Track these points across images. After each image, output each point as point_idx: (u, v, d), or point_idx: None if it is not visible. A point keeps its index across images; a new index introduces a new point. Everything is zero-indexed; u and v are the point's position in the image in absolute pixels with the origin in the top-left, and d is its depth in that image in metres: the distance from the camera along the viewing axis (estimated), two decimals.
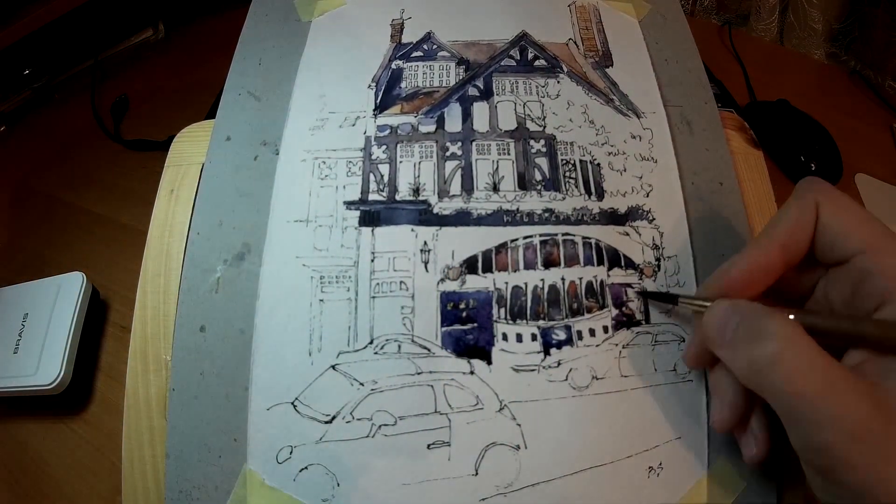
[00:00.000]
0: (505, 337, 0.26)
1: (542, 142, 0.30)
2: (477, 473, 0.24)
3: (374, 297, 0.27)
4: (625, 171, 0.30)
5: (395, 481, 0.24)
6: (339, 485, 0.24)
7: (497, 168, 0.29)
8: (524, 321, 0.26)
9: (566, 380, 0.26)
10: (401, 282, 0.27)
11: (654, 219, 0.29)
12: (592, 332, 0.26)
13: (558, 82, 0.32)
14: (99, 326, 0.45)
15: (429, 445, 0.25)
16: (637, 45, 0.35)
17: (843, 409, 0.19)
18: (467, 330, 0.26)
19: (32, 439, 0.41)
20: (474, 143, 0.30)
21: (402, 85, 0.32)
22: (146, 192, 0.32)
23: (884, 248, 0.21)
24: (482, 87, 0.32)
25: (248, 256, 0.28)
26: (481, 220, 0.28)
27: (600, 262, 0.28)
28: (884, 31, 0.55)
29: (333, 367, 0.26)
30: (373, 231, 0.28)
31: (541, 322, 0.26)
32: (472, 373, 0.26)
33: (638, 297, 0.27)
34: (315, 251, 0.28)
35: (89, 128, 0.59)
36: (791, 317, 0.21)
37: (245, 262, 0.28)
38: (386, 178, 0.29)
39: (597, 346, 0.26)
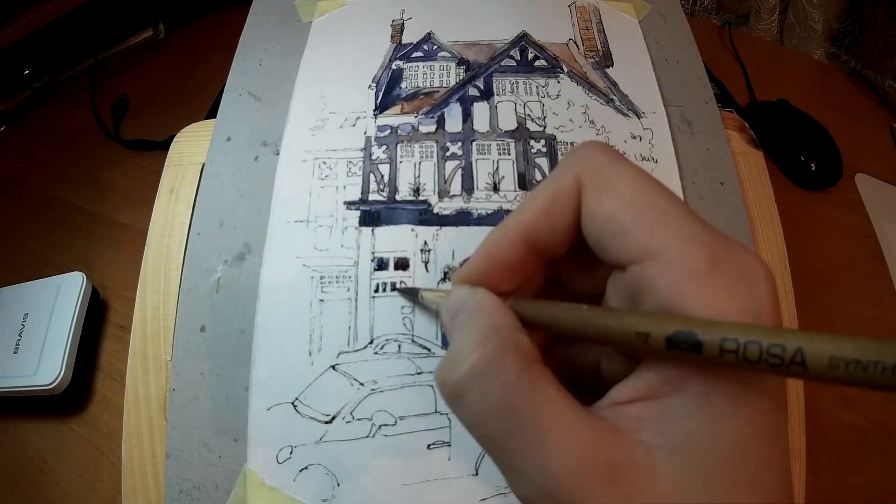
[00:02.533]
0: None
1: (543, 142, 0.30)
2: (477, 473, 0.24)
3: (374, 297, 0.27)
4: None
5: (395, 481, 0.24)
6: (339, 485, 0.24)
7: (497, 168, 0.29)
8: None
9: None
10: (401, 282, 0.27)
11: None
12: None
13: (558, 82, 0.32)
14: (99, 326, 0.45)
15: (429, 445, 0.25)
16: (637, 45, 0.35)
17: (544, 466, 0.14)
18: None
19: (32, 439, 0.41)
20: (474, 143, 0.30)
21: (403, 85, 0.32)
22: (146, 192, 0.32)
23: (667, 252, 0.14)
24: (482, 88, 0.32)
25: (249, 256, 0.28)
26: (482, 220, 0.28)
27: None
28: (884, 31, 0.56)
29: (333, 367, 0.26)
30: (373, 231, 0.28)
31: None
32: None
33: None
34: (315, 251, 0.28)
35: (89, 128, 0.59)
36: (509, 308, 0.17)
37: (245, 263, 0.28)
38: (386, 178, 0.29)
39: None
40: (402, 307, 0.26)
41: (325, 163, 0.30)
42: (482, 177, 0.29)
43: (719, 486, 0.14)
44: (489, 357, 0.15)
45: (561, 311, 0.16)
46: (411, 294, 0.26)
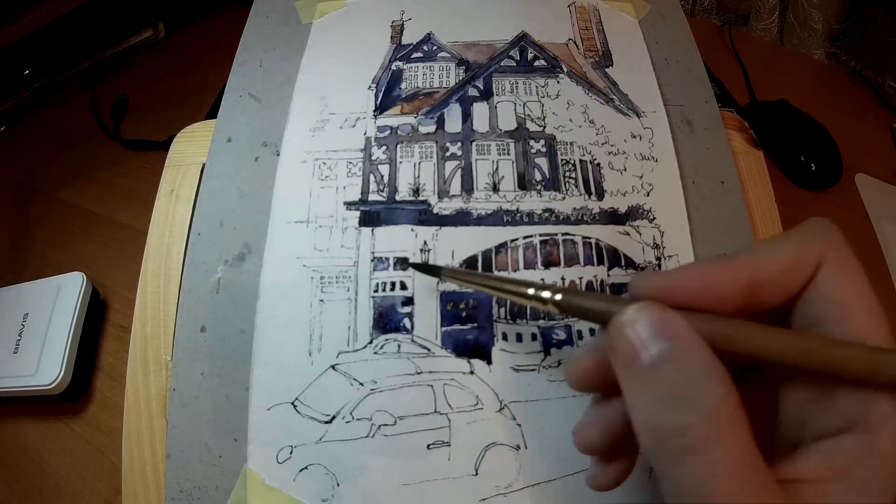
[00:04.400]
0: (505, 337, 0.26)
1: (542, 142, 0.30)
2: (477, 473, 0.24)
3: (373, 297, 0.27)
4: (625, 170, 0.30)
5: (395, 481, 0.24)
6: (339, 485, 0.24)
7: (497, 168, 0.29)
8: (524, 321, 0.26)
9: (566, 380, 0.26)
10: (401, 282, 0.27)
11: (654, 218, 0.29)
12: (593, 332, 0.26)
13: (558, 82, 0.32)
14: (99, 326, 0.45)
15: (429, 445, 0.25)
16: (637, 44, 0.35)
17: None
18: (467, 330, 0.26)
19: (32, 439, 0.41)
20: (474, 144, 0.30)
21: (402, 86, 0.32)
22: (146, 192, 0.32)
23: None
24: (482, 88, 0.32)
25: (249, 257, 0.28)
26: (481, 220, 0.28)
27: (600, 262, 0.28)
28: (884, 31, 0.55)
29: (333, 367, 0.26)
30: (373, 231, 0.28)
31: (541, 322, 0.26)
32: (472, 373, 0.26)
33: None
34: (315, 251, 0.28)
35: (89, 128, 0.59)
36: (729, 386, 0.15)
37: (245, 263, 0.28)
38: (386, 179, 0.29)
39: None
40: (403, 307, 0.26)
41: (325, 163, 0.30)
42: (482, 177, 0.29)
43: None
44: (730, 413, 0.14)
45: (805, 342, 0.15)
46: (430, 271, 0.26)
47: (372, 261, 0.27)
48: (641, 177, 0.30)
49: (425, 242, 0.28)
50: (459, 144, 0.30)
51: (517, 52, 0.33)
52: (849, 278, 0.16)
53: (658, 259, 0.28)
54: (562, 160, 0.30)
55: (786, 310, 0.17)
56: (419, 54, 0.33)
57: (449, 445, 0.25)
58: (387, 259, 0.27)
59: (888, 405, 0.15)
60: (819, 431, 0.16)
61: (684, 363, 0.15)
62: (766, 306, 0.17)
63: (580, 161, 0.30)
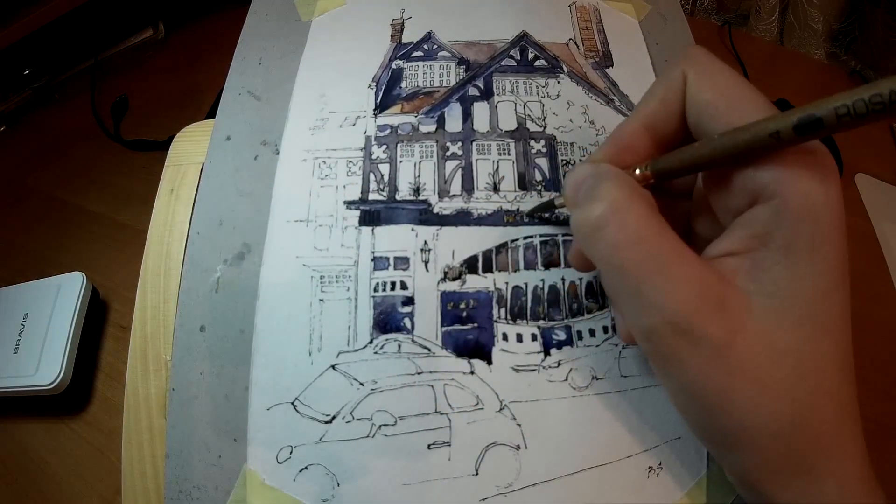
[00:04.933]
0: (505, 337, 0.26)
1: (543, 142, 0.30)
2: (477, 473, 0.24)
3: (374, 297, 0.27)
4: None
5: (396, 481, 0.24)
6: (339, 485, 0.24)
7: (497, 168, 0.29)
8: (524, 321, 0.26)
9: (566, 380, 0.26)
10: (401, 281, 0.27)
11: None
12: (592, 333, 0.26)
13: (558, 82, 0.32)
14: (99, 326, 0.45)
15: (429, 445, 0.25)
16: (637, 45, 0.35)
17: (668, 294, 0.17)
18: (467, 330, 0.26)
19: (32, 439, 0.41)
20: (475, 143, 0.30)
21: (403, 85, 0.32)
22: (146, 192, 0.32)
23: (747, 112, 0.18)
24: (482, 87, 0.32)
25: (249, 256, 0.28)
26: (482, 220, 0.28)
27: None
28: (884, 31, 0.55)
29: (333, 366, 0.26)
30: (373, 231, 0.28)
31: (541, 322, 0.26)
32: (472, 373, 0.26)
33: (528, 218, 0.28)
34: (315, 251, 0.28)
35: (89, 128, 0.59)
36: (647, 170, 0.19)
37: (245, 262, 0.28)
38: (386, 178, 0.29)
39: (597, 346, 0.26)
40: (403, 307, 0.26)
41: (324, 162, 0.30)
42: (482, 177, 0.29)
43: (806, 328, 0.17)
44: (625, 197, 0.18)
45: (698, 148, 0.18)
46: (548, 207, 0.27)
47: (372, 260, 0.27)
48: None
49: (426, 242, 0.28)
50: (460, 144, 0.30)
51: (518, 52, 0.33)
52: (708, 81, 0.19)
53: None
54: (562, 161, 0.30)
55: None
56: (419, 53, 0.33)
57: (449, 445, 0.25)
58: (387, 258, 0.27)
59: (780, 169, 0.17)
60: (736, 211, 0.19)
61: (594, 176, 0.19)
62: (672, 136, 0.20)
63: (580, 162, 0.30)
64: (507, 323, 0.26)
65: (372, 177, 0.29)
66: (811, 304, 0.17)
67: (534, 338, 0.26)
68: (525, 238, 0.28)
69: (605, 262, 0.18)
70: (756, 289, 0.18)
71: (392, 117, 0.31)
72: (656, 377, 0.20)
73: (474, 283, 0.27)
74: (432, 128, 0.30)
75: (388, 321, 0.26)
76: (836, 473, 0.18)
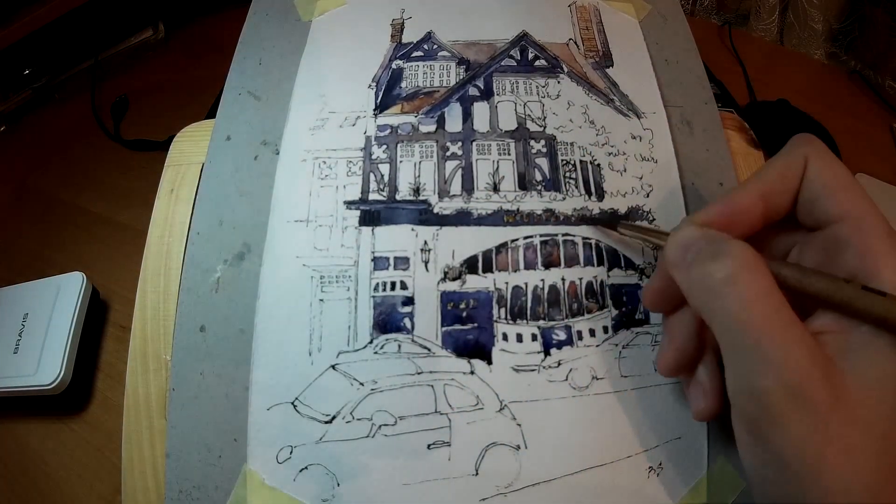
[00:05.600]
0: (505, 337, 0.26)
1: (543, 142, 0.30)
2: (477, 473, 0.24)
3: (374, 297, 0.27)
4: (625, 171, 0.30)
5: (396, 481, 0.24)
6: (339, 485, 0.24)
7: (497, 168, 0.29)
8: (524, 321, 0.26)
9: (566, 380, 0.26)
10: (401, 281, 0.27)
11: (654, 219, 0.29)
12: (592, 333, 0.26)
13: (559, 82, 0.32)
14: (99, 326, 0.45)
15: (429, 445, 0.25)
16: (637, 45, 0.35)
17: (788, 355, 0.18)
18: (467, 330, 0.26)
19: (32, 439, 0.41)
20: (475, 143, 0.30)
21: (403, 85, 0.32)
22: (146, 192, 0.32)
23: (864, 221, 0.20)
24: (482, 87, 0.32)
25: (248, 256, 0.28)
26: (481, 220, 0.28)
27: (600, 263, 0.28)
28: (884, 31, 0.55)
29: (333, 366, 0.26)
30: (373, 231, 0.28)
31: (541, 322, 0.26)
32: (472, 373, 0.26)
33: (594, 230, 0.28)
34: (315, 251, 0.28)
35: (89, 128, 0.59)
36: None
37: (245, 262, 0.28)
38: (386, 178, 0.29)
39: (597, 346, 0.26)
40: (403, 307, 0.26)
41: (324, 162, 0.30)
42: (482, 177, 0.29)
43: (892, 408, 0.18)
44: (754, 256, 0.19)
45: (830, 284, 0.19)
46: (606, 227, 0.28)
47: (372, 260, 0.27)
48: (641, 178, 0.30)
49: (426, 242, 0.28)
50: (460, 144, 0.30)
51: (518, 52, 0.33)
52: (829, 167, 0.21)
53: (657, 260, 0.28)
54: (562, 160, 0.30)
55: (795, 220, 0.22)
56: (419, 53, 0.33)
57: (449, 445, 0.25)
58: (387, 258, 0.27)
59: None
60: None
61: (713, 238, 0.20)
62: (782, 210, 0.22)
63: (580, 161, 0.30)
64: (507, 323, 0.26)
65: (372, 177, 0.29)
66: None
67: (534, 338, 0.26)
68: (525, 238, 0.28)
69: (729, 316, 0.19)
70: (849, 367, 0.18)
71: (392, 117, 0.31)
72: (742, 448, 0.20)
73: (474, 283, 0.27)
74: (432, 128, 0.30)
75: (388, 321, 0.26)
76: None
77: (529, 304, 0.27)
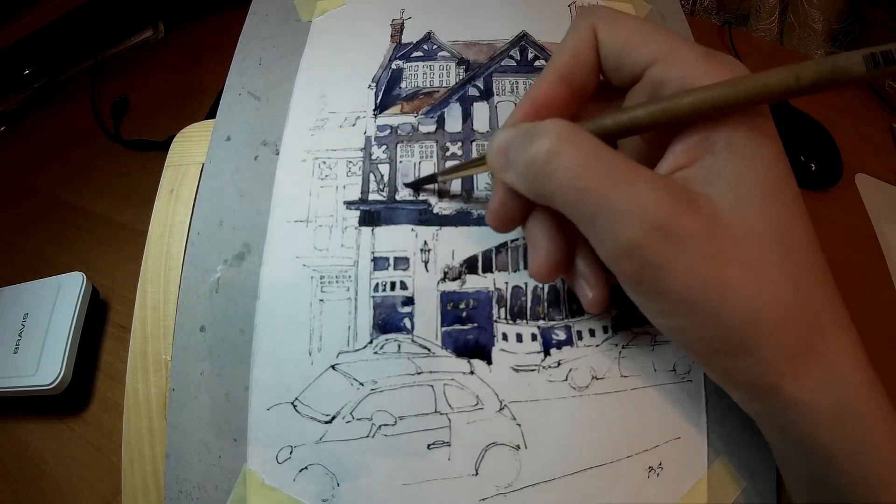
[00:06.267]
0: (505, 337, 0.26)
1: None
2: (477, 473, 0.24)
3: (373, 297, 0.27)
4: None
5: (396, 481, 0.24)
6: (339, 485, 0.24)
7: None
8: (524, 321, 0.26)
9: (566, 380, 0.26)
10: (401, 281, 0.27)
11: None
12: (592, 333, 0.26)
13: None
14: (99, 326, 0.45)
15: (429, 445, 0.25)
16: None
17: (641, 200, 0.17)
18: (467, 330, 0.26)
19: (32, 439, 0.41)
20: (474, 144, 0.30)
21: (403, 85, 0.32)
22: (146, 192, 0.32)
23: (673, 54, 0.19)
24: (482, 87, 0.32)
25: (248, 256, 0.28)
26: (481, 220, 0.28)
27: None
28: (884, 31, 0.55)
29: (333, 367, 0.26)
30: (373, 231, 0.28)
31: (541, 322, 0.26)
32: (472, 373, 0.26)
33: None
34: (315, 251, 0.28)
35: (89, 128, 0.59)
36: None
37: (245, 262, 0.28)
38: (386, 178, 0.29)
39: (597, 346, 0.26)
40: (403, 307, 0.26)
41: (324, 162, 0.30)
42: (482, 177, 0.29)
43: (774, 213, 0.18)
44: (570, 127, 0.19)
45: (642, 108, 0.19)
46: (427, 181, 0.28)
47: (372, 260, 0.27)
48: None
49: (425, 242, 0.28)
50: (460, 144, 0.30)
51: (517, 52, 0.33)
52: (619, 26, 0.20)
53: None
54: None
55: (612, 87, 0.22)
56: (419, 53, 0.33)
57: (449, 445, 0.25)
58: (387, 259, 0.27)
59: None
60: (671, 135, 0.20)
61: (528, 130, 0.19)
62: (588, 84, 0.21)
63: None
64: (507, 323, 0.26)
65: (372, 177, 0.29)
66: (770, 191, 0.18)
67: (534, 338, 0.26)
68: (525, 238, 0.28)
69: (566, 188, 0.18)
70: (715, 189, 0.18)
71: (392, 117, 0.31)
72: (647, 313, 0.20)
73: (474, 283, 0.27)
74: (432, 128, 0.30)
75: (387, 321, 0.26)
76: (846, 350, 0.18)
77: (529, 304, 0.27)
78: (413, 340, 0.26)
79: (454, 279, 0.27)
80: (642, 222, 0.17)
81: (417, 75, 0.32)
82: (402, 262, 0.27)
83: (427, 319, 0.26)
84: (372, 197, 0.29)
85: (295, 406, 0.25)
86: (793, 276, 0.18)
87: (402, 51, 0.33)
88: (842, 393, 0.18)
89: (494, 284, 0.27)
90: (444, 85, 0.32)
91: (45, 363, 0.39)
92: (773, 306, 0.18)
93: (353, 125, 0.31)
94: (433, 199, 0.29)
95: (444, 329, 0.26)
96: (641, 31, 0.20)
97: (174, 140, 0.33)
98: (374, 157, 0.30)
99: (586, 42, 0.21)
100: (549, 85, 0.21)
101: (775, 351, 0.18)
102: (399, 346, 0.26)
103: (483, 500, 0.24)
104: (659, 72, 0.19)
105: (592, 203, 0.18)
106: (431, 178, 0.28)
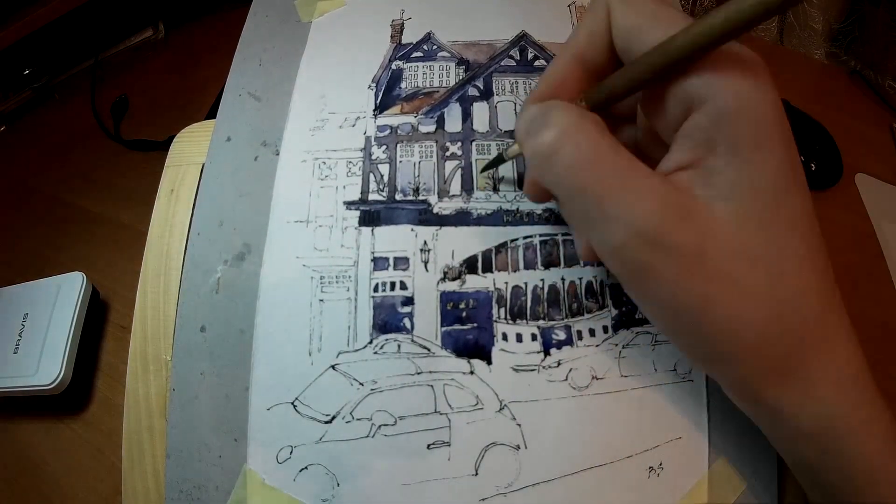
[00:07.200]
0: (505, 337, 0.26)
1: None
2: (477, 473, 0.24)
3: (373, 297, 0.27)
4: None
5: (395, 481, 0.24)
6: (339, 485, 0.24)
7: (497, 168, 0.29)
8: (524, 321, 0.26)
9: (566, 380, 0.26)
10: (401, 282, 0.27)
11: None
12: (592, 332, 0.26)
13: None
14: (99, 326, 0.45)
15: (429, 445, 0.25)
16: None
17: (633, 206, 0.17)
18: (467, 330, 0.26)
19: (32, 439, 0.41)
20: (474, 143, 0.30)
21: (402, 85, 0.32)
22: (146, 192, 0.32)
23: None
24: (482, 88, 0.32)
25: (249, 256, 0.28)
26: (481, 220, 0.28)
27: (600, 263, 0.28)
28: (884, 31, 0.55)
29: (333, 367, 0.26)
30: (373, 231, 0.28)
31: (541, 322, 0.26)
32: (472, 373, 0.26)
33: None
34: (315, 251, 0.28)
35: (89, 128, 0.59)
36: (583, 103, 0.21)
37: (245, 263, 0.28)
38: (386, 178, 0.29)
39: (597, 346, 0.26)
40: (403, 307, 0.26)
41: (324, 163, 0.30)
42: (482, 176, 0.29)
43: (771, 227, 0.17)
44: (574, 120, 0.19)
45: (625, 71, 0.19)
46: (496, 162, 0.27)
47: (372, 260, 0.27)
48: None
49: (425, 242, 0.28)
50: (459, 144, 0.30)
51: (517, 52, 0.33)
52: (630, 7, 0.20)
53: None
54: None
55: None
56: (419, 53, 0.33)
57: (449, 445, 0.25)
58: (387, 259, 0.27)
59: (709, 74, 0.17)
60: (675, 125, 0.19)
61: (544, 111, 0.20)
62: (602, 63, 0.21)
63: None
64: (507, 323, 0.26)
65: (372, 177, 0.29)
66: (770, 202, 0.18)
67: (533, 338, 0.26)
68: (525, 238, 0.28)
69: (563, 185, 0.19)
70: (714, 195, 0.18)
71: (392, 118, 0.31)
72: (638, 305, 0.20)
73: (474, 283, 0.27)
74: (432, 128, 0.30)
75: (387, 321, 0.26)
76: (828, 370, 0.18)
77: (529, 304, 0.27)
78: (413, 340, 0.26)
79: (454, 279, 0.27)
80: (630, 229, 0.17)
81: (417, 75, 0.32)
82: (401, 262, 0.27)
83: (427, 319, 0.26)
84: (372, 197, 0.29)
85: (295, 406, 0.25)
86: (779, 298, 0.18)
87: (401, 51, 0.33)
88: (820, 411, 0.18)
89: (494, 284, 0.27)
90: (444, 85, 0.32)
91: (45, 363, 0.39)
92: (753, 327, 0.17)
93: (353, 125, 0.31)
94: (433, 199, 0.29)
95: (443, 329, 0.26)
96: (652, 13, 0.20)
97: (174, 140, 0.33)
98: (374, 157, 0.30)
99: (601, 22, 0.21)
100: (564, 64, 0.22)
101: (752, 367, 0.18)
102: (399, 346, 0.26)
103: (483, 500, 0.24)
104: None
105: (587, 202, 0.18)
106: (499, 159, 0.27)
